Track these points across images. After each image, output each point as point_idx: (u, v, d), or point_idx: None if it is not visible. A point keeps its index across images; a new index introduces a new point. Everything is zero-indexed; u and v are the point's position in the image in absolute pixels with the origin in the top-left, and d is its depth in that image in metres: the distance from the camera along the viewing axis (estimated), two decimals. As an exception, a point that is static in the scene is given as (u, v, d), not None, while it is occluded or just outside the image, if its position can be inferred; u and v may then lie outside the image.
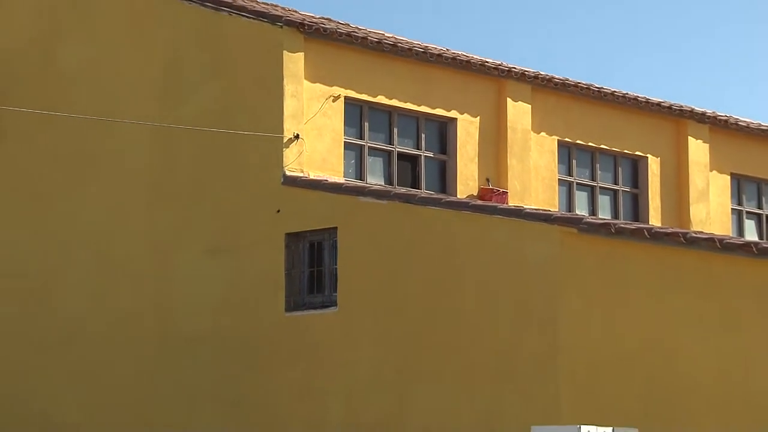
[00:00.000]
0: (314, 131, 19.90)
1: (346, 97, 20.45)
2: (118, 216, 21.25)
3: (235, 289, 19.78)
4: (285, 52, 19.67)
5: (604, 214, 23.24)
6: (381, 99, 20.93)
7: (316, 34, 20.15)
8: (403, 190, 20.14)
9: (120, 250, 21.15)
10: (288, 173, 19.45)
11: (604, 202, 23.61)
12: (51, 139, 22.07)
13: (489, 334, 17.41)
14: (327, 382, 18.73)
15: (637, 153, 24.04)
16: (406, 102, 21.20)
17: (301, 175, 19.53)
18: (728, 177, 25.17)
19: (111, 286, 21.17)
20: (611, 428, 14.10)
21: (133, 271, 20.94)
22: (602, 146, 23.58)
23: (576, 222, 17.26)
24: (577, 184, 23.31)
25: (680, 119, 24.53)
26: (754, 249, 17.86)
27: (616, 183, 23.86)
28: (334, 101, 20.23)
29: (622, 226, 17.86)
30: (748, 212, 25.61)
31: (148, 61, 21.23)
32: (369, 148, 20.91)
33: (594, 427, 13.98)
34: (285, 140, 19.48)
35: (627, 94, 24.13)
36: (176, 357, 20.26)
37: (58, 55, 22.29)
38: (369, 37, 21.05)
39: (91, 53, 21.89)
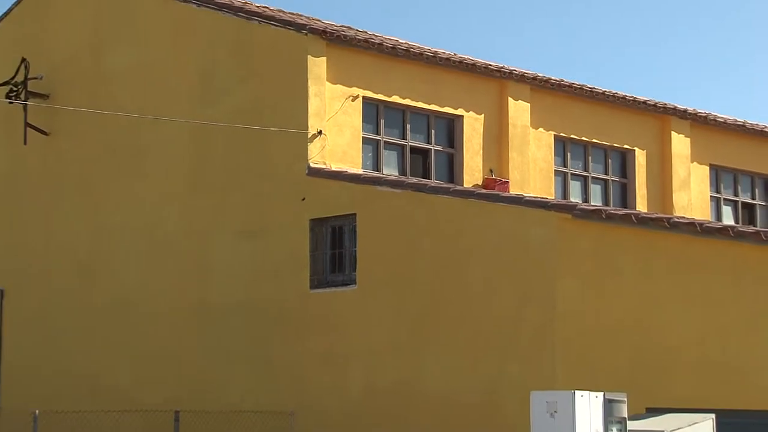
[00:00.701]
0: (335, 127, 19.92)
1: (364, 97, 20.45)
2: (161, 203, 21.32)
3: (264, 268, 19.83)
4: (309, 57, 19.67)
5: (596, 201, 23.18)
6: (395, 98, 20.92)
7: (337, 41, 20.16)
8: (415, 180, 20.14)
9: (164, 232, 21.23)
10: (312, 165, 19.46)
11: (595, 190, 23.56)
12: (100, 135, 22.11)
13: (493, 308, 17.45)
14: (348, 350, 18.80)
15: (625, 146, 23.99)
16: (417, 101, 21.20)
17: (323, 166, 19.54)
18: (707, 167, 25.08)
19: (157, 263, 21.25)
20: (602, 393, 14.11)
21: (176, 250, 21.02)
22: (594, 140, 23.54)
23: (571, 208, 17.32)
24: (572, 174, 23.27)
25: (664, 116, 24.47)
26: (731, 232, 17.86)
27: (606, 173, 23.81)
28: (353, 101, 20.24)
29: (612, 212, 17.97)
30: (725, 199, 25.52)
31: (187, 66, 21.26)
32: (384, 142, 20.91)
33: (587, 391, 13.97)
34: (309, 136, 19.50)
35: (616, 93, 24.10)
36: (213, 325, 20.34)
37: (106, 60, 22.33)
38: (384, 43, 21.09)
39: (136, 58, 21.92)
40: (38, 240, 22.85)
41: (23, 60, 22.74)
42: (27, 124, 22.72)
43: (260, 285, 19.83)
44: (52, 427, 19.06)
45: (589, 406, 13.84)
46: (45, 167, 22.90)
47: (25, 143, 22.86)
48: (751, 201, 25.99)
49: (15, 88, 22.65)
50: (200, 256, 20.70)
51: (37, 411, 18.36)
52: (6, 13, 23.82)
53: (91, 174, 22.28)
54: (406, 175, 20.79)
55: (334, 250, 19.37)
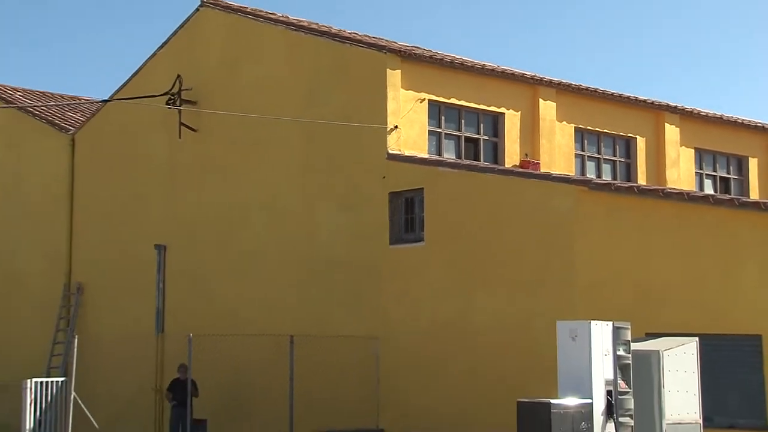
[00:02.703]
0: (407, 123, 19.69)
1: (429, 100, 20.18)
2: (279, 182, 21.21)
3: (356, 230, 19.69)
4: (388, 70, 19.45)
5: (606, 177, 22.79)
6: (453, 100, 20.63)
7: (408, 57, 19.93)
8: (468, 162, 19.98)
9: (281, 204, 21.14)
10: (390, 152, 19.27)
11: (606, 169, 23.17)
12: (234, 131, 22.06)
13: (527, 259, 17.25)
14: (417, 292, 18.64)
15: (629, 135, 23.55)
16: (470, 102, 20.91)
17: (399, 153, 19.34)
18: (693, 150, 24.57)
19: (276, 228, 21.17)
20: (611, 322, 13.89)
21: (291, 218, 20.93)
22: (605, 130, 23.13)
23: (587, 183, 17.15)
24: (587, 156, 22.86)
25: (659, 111, 23.99)
26: (711, 200, 17.45)
27: (614, 156, 23.38)
28: (420, 102, 19.99)
29: (619, 185, 17.73)
30: (706, 174, 24.97)
31: (297, 78, 21.11)
32: (444, 134, 20.63)
33: (599, 321, 13.77)
34: (388, 130, 19.31)
35: (622, 93, 23.68)
36: (319, 273, 20.23)
37: (238, 74, 22.25)
38: (444, 58, 20.89)
39: (260, 73, 21.81)
40: (190, 209, 22.92)
41: (178, 76, 22.75)
42: (181, 124, 22.76)
43: (353, 243, 19.69)
44: (202, 346, 19.14)
45: (601, 332, 13.68)
46: (194, 155, 22.91)
47: (179, 137, 22.88)
48: (726, 175, 25.44)
49: (172, 97, 22.70)
50: (309, 222, 20.58)
51: (191, 334, 18.52)
52: (165, 42, 23.91)
53: (227, 160, 22.24)
54: (461, 159, 20.53)
55: (407, 216, 19.18)
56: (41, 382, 17.19)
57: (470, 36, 53.53)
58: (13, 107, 26.53)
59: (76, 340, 17.35)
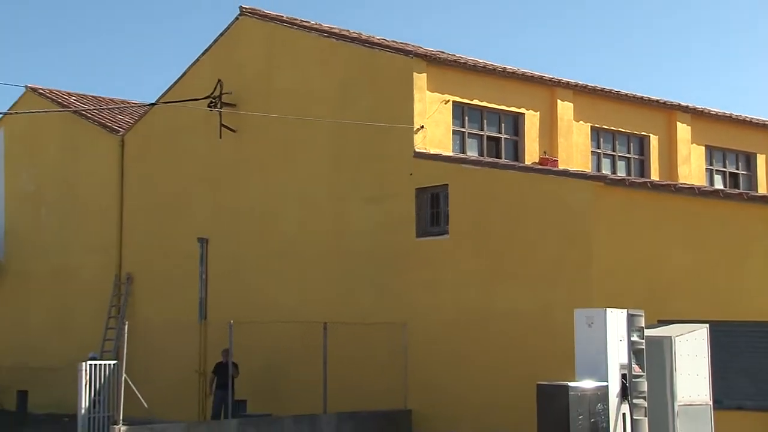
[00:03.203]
0: (433, 123, 19.51)
1: (453, 101, 19.98)
2: (311, 178, 21.13)
3: (384, 223, 19.56)
4: (414, 74, 19.27)
5: (621, 173, 22.50)
6: (476, 101, 20.43)
7: (433, 61, 19.76)
8: (490, 159, 19.74)
9: (314, 198, 21.06)
10: (417, 150, 19.11)
11: (620, 165, 22.85)
12: (270, 131, 22.00)
13: (547, 250, 17.03)
14: (442, 282, 18.50)
15: (643, 133, 23.23)
16: (491, 103, 20.68)
17: (425, 151, 19.17)
18: (703, 147, 24.21)
19: (310, 221, 21.10)
20: (626, 309, 13.74)
21: (322, 212, 20.84)
22: (619, 129, 22.82)
23: (602, 178, 17.01)
24: (603, 154, 22.57)
25: (671, 110, 23.67)
26: (720, 194, 17.28)
27: (629, 153, 23.07)
28: (445, 104, 19.80)
29: (633, 180, 17.54)
30: (716, 170, 24.62)
31: (329, 81, 20.99)
32: (468, 133, 20.42)
33: (615, 309, 13.63)
34: (414, 129, 19.14)
35: (636, 94, 23.39)
36: (349, 263, 20.12)
37: (274, 79, 22.17)
38: (468, 62, 20.68)
39: (294, 77, 21.72)
40: (230, 203, 22.90)
41: (219, 81, 22.73)
42: (221, 125, 22.75)
43: (382, 236, 19.57)
44: (242, 332, 19.12)
45: (616, 320, 13.54)
46: (233, 154, 22.89)
47: (220, 138, 22.88)
48: (735, 171, 25.04)
49: (213, 100, 22.68)
50: (340, 216, 20.48)
51: (231, 321, 18.50)
52: (207, 49, 23.89)
53: (264, 159, 22.19)
54: (483, 156, 20.32)
55: (432, 210, 19.02)
56: (95, 365, 17.25)
57: (491, 39, 53.38)
58: (69, 111, 26.71)
59: (126, 326, 17.40)
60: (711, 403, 14.58)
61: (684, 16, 54.18)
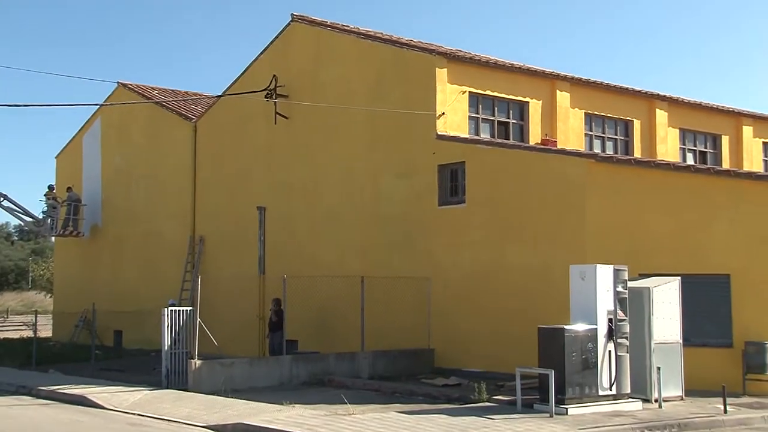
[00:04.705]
0: (452, 110, 19.39)
1: (469, 92, 19.83)
2: (351, 157, 21.14)
3: (412, 193, 19.56)
4: (437, 69, 19.15)
5: (609, 152, 22.26)
6: (488, 92, 20.26)
7: (453, 59, 19.60)
8: (500, 140, 19.59)
9: (353, 173, 21.09)
10: (439, 133, 19.04)
11: (609, 145, 22.60)
12: (316, 118, 22.00)
13: (548, 217, 16.93)
14: (460, 243, 18.47)
15: (628, 118, 22.93)
16: (501, 93, 20.50)
17: (446, 133, 19.09)
18: (678, 130, 23.87)
19: (349, 191, 21.15)
20: (612, 265, 13.73)
21: (360, 184, 20.88)
22: (609, 115, 22.55)
23: (594, 156, 16.80)
24: (595, 135, 22.32)
25: (651, 99, 23.35)
26: (692, 169, 17.00)
27: (616, 135, 22.80)
28: (462, 94, 19.66)
29: (620, 158, 17.29)
30: (688, 149, 24.29)
31: (365, 76, 20.93)
32: (481, 119, 20.28)
33: (603, 264, 13.66)
34: (437, 115, 19.06)
35: (622, 85, 23.09)
36: (383, 227, 20.18)
37: (320, 74, 22.14)
38: (482, 59, 20.49)
39: (336, 73, 21.68)
40: (283, 178, 22.99)
41: (274, 76, 22.74)
42: (276, 113, 22.79)
43: (409, 204, 19.57)
44: (294, 285, 19.28)
45: (604, 274, 13.58)
46: (286, 137, 22.92)
47: (275, 123, 22.94)
48: (704, 150, 24.66)
49: (269, 92, 22.71)
50: (375, 187, 20.50)
51: (285, 275, 18.63)
52: (264, 50, 23.85)
53: (311, 140, 22.22)
54: (494, 138, 20.17)
55: (452, 183, 18.97)
56: (174, 310, 17.47)
57: (501, 37, 52.77)
58: (152, 102, 26.91)
59: (199, 279, 17.70)
60: (681, 341, 14.63)
61: (662, 15, 53.04)
